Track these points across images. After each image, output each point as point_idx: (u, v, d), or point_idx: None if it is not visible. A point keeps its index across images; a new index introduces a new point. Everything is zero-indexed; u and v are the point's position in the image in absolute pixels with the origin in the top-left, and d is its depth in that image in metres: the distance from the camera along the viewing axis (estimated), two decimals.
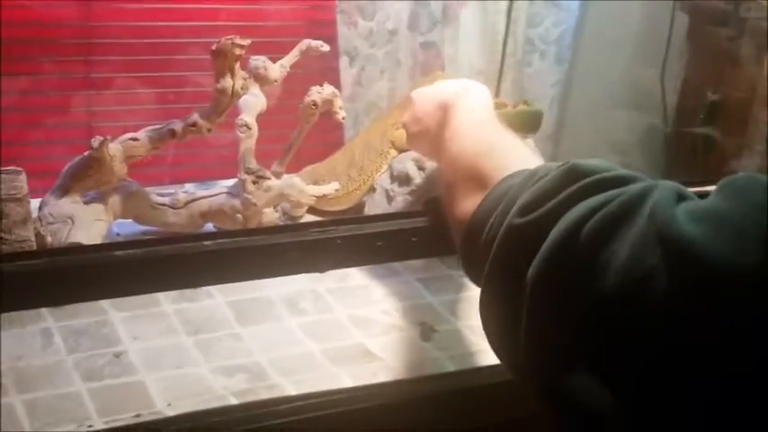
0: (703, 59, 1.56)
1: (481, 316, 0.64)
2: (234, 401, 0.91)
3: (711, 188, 1.13)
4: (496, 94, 1.76)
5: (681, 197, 0.51)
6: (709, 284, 0.45)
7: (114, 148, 1.15)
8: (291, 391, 0.94)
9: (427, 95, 0.95)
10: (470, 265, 0.71)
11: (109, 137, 1.14)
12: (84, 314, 1.04)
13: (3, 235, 1.02)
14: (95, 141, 1.13)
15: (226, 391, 0.93)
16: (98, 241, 1.13)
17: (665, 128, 1.62)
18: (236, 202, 1.23)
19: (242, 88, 1.18)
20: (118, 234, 1.25)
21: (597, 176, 0.56)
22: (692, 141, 1.53)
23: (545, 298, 0.53)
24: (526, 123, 1.21)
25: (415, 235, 0.94)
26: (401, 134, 1.49)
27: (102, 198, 1.18)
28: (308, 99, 1.24)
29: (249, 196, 1.21)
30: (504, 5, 1.69)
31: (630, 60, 1.67)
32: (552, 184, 0.58)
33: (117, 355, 0.98)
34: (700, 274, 0.45)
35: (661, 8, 1.60)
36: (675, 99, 1.60)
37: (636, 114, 1.68)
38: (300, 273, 0.87)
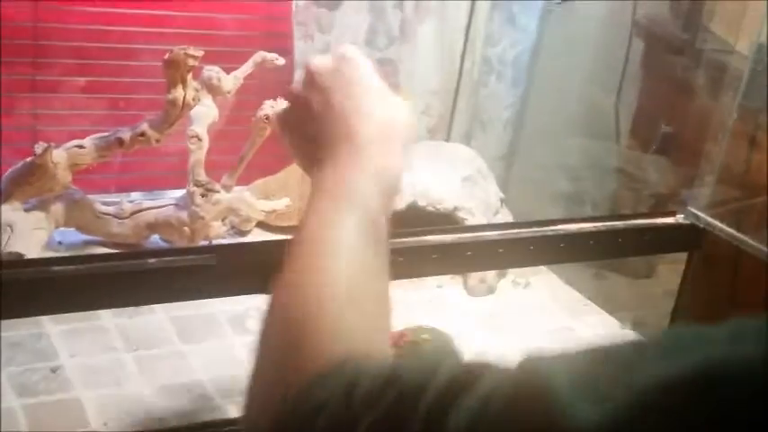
0: (658, 88, 1.57)
1: None
2: (174, 423, 0.88)
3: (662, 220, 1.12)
4: (452, 113, 1.75)
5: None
6: None
7: (59, 155, 1.12)
8: (234, 413, 0.91)
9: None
10: None
11: (53, 144, 1.11)
12: (20, 326, 1.00)
13: None
14: (39, 148, 1.09)
15: (166, 412, 0.90)
16: (38, 250, 1.10)
17: (619, 155, 1.63)
18: (184, 215, 1.20)
19: (194, 99, 1.16)
20: (60, 243, 1.22)
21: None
22: (644, 170, 1.54)
23: None
24: None
25: None
26: None
27: (43, 206, 1.15)
28: (260, 113, 1.22)
29: (197, 209, 1.18)
30: (462, 24, 1.68)
31: (586, 85, 1.67)
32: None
33: (53, 371, 0.95)
34: None
35: (618, 34, 1.60)
36: (629, 126, 1.61)
37: (589, 140, 1.68)
38: (246, 294, 0.84)
